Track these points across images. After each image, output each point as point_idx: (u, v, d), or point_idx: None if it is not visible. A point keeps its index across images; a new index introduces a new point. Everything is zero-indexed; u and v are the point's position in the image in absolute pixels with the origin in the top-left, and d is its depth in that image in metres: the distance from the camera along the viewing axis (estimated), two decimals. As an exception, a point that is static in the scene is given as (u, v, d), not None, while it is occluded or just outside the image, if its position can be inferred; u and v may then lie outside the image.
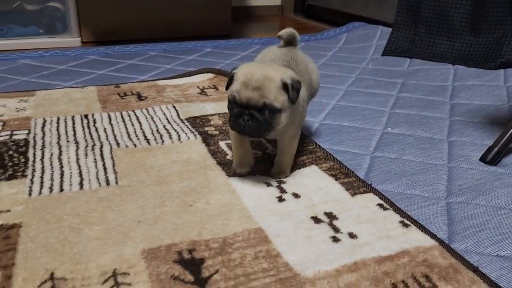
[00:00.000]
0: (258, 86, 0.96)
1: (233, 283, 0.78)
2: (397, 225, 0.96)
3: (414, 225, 0.96)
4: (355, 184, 1.12)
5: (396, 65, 2.28)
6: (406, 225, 0.96)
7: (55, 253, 0.85)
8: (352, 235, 0.92)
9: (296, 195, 1.07)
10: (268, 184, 1.11)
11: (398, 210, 1.02)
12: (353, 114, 1.64)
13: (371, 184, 1.14)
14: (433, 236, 0.93)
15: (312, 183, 1.12)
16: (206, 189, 1.08)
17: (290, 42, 1.25)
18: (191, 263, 0.83)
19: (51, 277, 0.78)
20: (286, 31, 1.24)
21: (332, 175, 1.16)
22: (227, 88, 1.04)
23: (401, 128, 1.53)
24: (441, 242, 0.91)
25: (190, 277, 0.79)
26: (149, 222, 0.95)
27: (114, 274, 0.79)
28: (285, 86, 0.98)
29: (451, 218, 1.03)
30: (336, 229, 0.94)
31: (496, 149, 1.30)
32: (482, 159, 1.31)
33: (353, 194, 1.08)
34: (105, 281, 0.78)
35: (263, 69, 1.00)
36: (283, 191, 1.08)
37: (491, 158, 1.29)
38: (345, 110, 1.69)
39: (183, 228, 0.93)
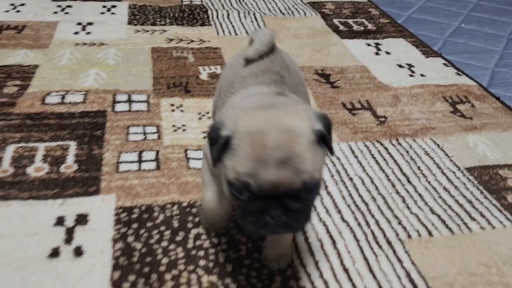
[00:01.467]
0: (285, 156, 0.54)
1: (349, 86, 1.37)
2: (454, 73, 1.49)
3: (465, 75, 1.49)
4: (429, 52, 1.64)
5: (482, -21, 2.61)
6: (459, 74, 1.49)
7: (244, 62, 1.47)
8: (422, 75, 1.47)
9: (387, 53, 1.61)
10: (368, 45, 1.66)
11: (456, 68, 1.53)
12: (435, 12, 2.09)
13: (441, 53, 1.65)
14: (476, 81, 1.45)
15: (399, 47, 1.65)
16: (327, 44, 1.65)
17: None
18: (323, 75, 1.43)
19: (247, 70, 1.41)
20: (257, 49, 0.80)
21: (413, 45, 1.68)
22: (216, 160, 0.58)
23: (472, 25, 1.97)
24: (480, 85, 1.43)
25: (324, 80, 1.39)
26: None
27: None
28: (321, 137, 0.57)
29: (492, 78, 1.54)
30: (412, 71, 1.49)
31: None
32: (531, 50, 1.75)
33: (426, 57, 1.60)
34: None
35: (276, 117, 0.57)
36: (378, 49, 1.63)
37: (537, 48, 1.73)
38: (429, 9, 2.13)
39: (315, 59, 1.52)
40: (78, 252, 0.78)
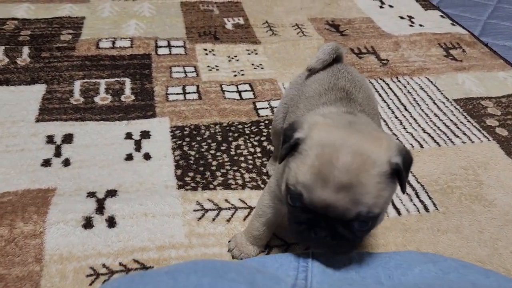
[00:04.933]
0: (348, 182, 0.51)
1: (356, 34, 1.57)
2: (449, 24, 1.68)
3: (459, 25, 1.67)
4: (428, 5, 1.82)
5: None
6: (454, 25, 1.68)
7: (263, 10, 1.66)
8: (421, 25, 1.66)
9: (390, 6, 1.80)
10: (374, -1, 1.85)
11: (451, 19, 1.72)
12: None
13: (438, 7, 1.83)
14: (468, 31, 1.64)
15: (401, 1, 1.85)
16: (336, -2, 1.83)
17: (334, 60, 0.81)
18: (333, 25, 1.62)
19: (266, 21, 1.61)
20: (318, 58, 0.79)
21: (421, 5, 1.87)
22: (282, 158, 0.58)
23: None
24: (472, 33, 1.62)
25: (334, 30, 1.59)
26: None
27: (298, 26, 1.60)
28: (396, 172, 0.54)
29: (484, 28, 1.72)
30: (412, 22, 1.68)
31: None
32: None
33: (425, 9, 1.79)
34: (293, 26, 1.59)
35: (354, 138, 0.53)
36: (382, 3, 1.81)
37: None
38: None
39: (325, 11, 1.70)
40: (147, 156, 1.01)
